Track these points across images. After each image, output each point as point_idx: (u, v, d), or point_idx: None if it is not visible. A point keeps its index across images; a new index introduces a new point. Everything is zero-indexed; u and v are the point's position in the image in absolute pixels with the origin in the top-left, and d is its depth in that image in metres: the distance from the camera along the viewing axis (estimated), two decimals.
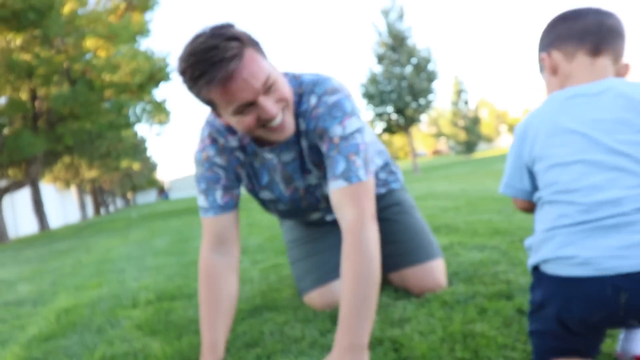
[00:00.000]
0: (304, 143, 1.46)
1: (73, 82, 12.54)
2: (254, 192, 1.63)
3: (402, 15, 21.24)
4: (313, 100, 1.41)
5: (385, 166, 1.90)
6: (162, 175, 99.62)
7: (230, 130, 1.49)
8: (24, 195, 18.03)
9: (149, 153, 48.73)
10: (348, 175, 1.31)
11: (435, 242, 1.85)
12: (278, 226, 5.06)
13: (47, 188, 23.33)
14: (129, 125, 15.08)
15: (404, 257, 1.78)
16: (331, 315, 1.61)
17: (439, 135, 46.87)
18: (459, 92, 39.35)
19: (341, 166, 1.32)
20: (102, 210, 35.48)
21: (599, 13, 1.08)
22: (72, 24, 11.88)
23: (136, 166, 38.38)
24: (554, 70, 1.11)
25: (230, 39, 1.20)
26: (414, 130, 39.51)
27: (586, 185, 0.94)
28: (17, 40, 11.61)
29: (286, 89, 1.33)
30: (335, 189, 1.32)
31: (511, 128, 74.17)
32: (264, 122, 1.30)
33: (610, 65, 1.06)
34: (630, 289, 0.85)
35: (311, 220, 1.79)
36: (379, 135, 22.06)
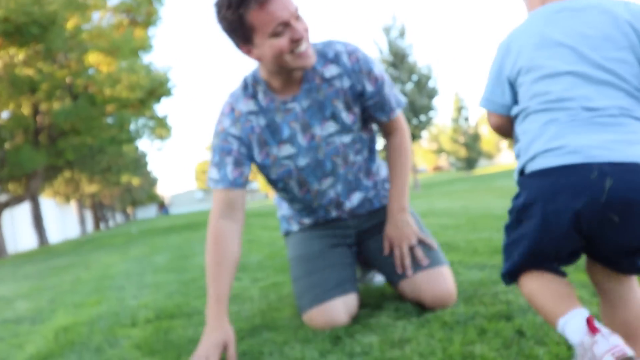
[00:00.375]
0: (345, 82, 1.66)
1: (75, 97, 12.63)
2: (266, 164, 1.72)
3: (404, 32, 21.49)
4: (339, 47, 1.66)
5: None
6: (163, 190, 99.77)
7: (248, 94, 1.68)
8: (23, 209, 18.02)
9: (149, 168, 48.81)
10: (401, 102, 1.80)
11: (442, 252, 1.88)
12: (279, 242, 5.06)
13: (47, 202, 23.32)
14: (130, 140, 15.14)
15: (415, 262, 1.79)
16: (331, 336, 1.60)
17: (439, 151, 46.97)
18: (460, 109, 39.57)
19: (394, 99, 1.76)
20: (102, 225, 35.41)
21: None
22: (75, 38, 11.99)
23: (136, 181, 38.39)
24: None
25: None
26: (414, 146, 39.63)
27: (578, 95, 0.97)
28: (20, 55, 11.72)
29: (307, 23, 1.55)
30: (397, 114, 1.78)
31: (511, 145, 74.29)
32: (293, 46, 1.48)
33: None
34: (615, 176, 0.89)
35: (322, 191, 1.78)
36: (380, 152, 22.10)
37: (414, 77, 21.42)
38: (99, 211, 35.22)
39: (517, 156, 1.05)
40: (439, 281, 1.74)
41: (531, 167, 0.99)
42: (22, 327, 2.67)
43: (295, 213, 1.98)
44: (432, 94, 21.58)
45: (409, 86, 21.46)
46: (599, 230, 0.93)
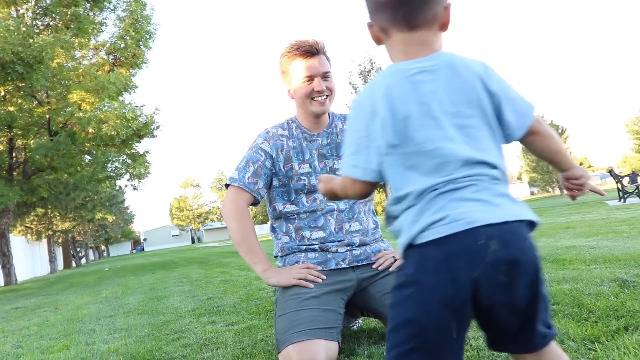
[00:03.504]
0: None
1: (54, 134, 12.49)
2: (289, 175, 2.08)
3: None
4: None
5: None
6: (138, 225, 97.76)
7: (282, 126, 2.15)
8: None
9: (126, 204, 48.00)
10: None
11: None
12: (255, 283, 5.01)
13: (16, 239, 22.64)
14: (110, 178, 14.96)
15: None
16: None
17: None
18: None
19: None
20: (74, 263, 34.41)
21: None
22: (58, 77, 11.97)
23: (111, 218, 37.68)
24: (378, 41, 1.08)
25: (320, 43, 2.05)
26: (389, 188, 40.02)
27: (441, 162, 0.98)
28: (1, 91, 11.63)
29: (334, 87, 2.08)
30: None
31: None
32: (313, 94, 2.02)
33: (432, 34, 1.02)
34: (499, 236, 0.90)
35: (325, 202, 2.08)
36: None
37: None
38: (72, 248, 34.29)
39: (399, 232, 1.01)
40: None
41: (419, 240, 0.96)
42: None
43: (296, 243, 2.08)
44: None
45: None
46: (493, 295, 0.91)
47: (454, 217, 0.93)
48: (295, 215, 2.09)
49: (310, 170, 2.10)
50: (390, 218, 1.06)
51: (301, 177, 2.09)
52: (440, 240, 0.93)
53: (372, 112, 1.02)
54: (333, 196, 1.18)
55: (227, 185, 2.10)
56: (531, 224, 0.97)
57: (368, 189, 1.08)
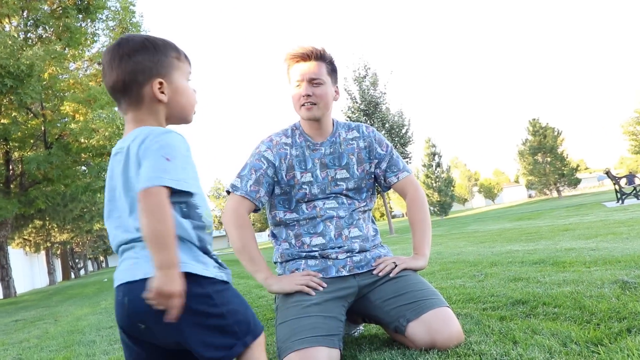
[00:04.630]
0: (361, 143, 2.19)
1: (49, 146, 12.47)
2: (290, 183, 2.09)
3: (376, 82, 22.08)
4: (360, 123, 2.27)
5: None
6: None
7: (286, 134, 2.16)
8: None
9: None
10: (408, 169, 2.25)
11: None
12: (255, 291, 4.99)
13: (14, 251, 22.53)
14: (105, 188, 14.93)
15: (426, 302, 1.88)
16: None
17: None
18: (432, 155, 40.33)
19: (402, 163, 2.24)
20: (72, 274, 34.24)
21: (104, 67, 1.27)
22: (51, 88, 11.97)
23: None
24: None
25: (314, 49, 2.06)
26: (389, 192, 40.13)
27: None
28: None
29: (326, 96, 2.07)
30: (406, 175, 2.23)
31: (483, 188, 75.73)
32: (301, 99, 2.04)
33: (136, 114, 1.25)
34: (129, 294, 1.15)
35: (325, 209, 2.08)
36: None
37: (387, 126, 21.83)
38: (70, 259, 34.12)
39: None
40: (451, 320, 1.83)
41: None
42: None
43: (296, 250, 2.08)
44: (405, 141, 21.98)
45: (382, 134, 21.77)
46: (143, 337, 1.20)
47: (113, 276, 1.25)
48: (295, 222, 2.10)
49: (312, 179, 2.10)
50: None
51: (303, 186, 2.09)
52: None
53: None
54: None
55: (228, 192, 2.10)
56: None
57: None
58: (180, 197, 1.19)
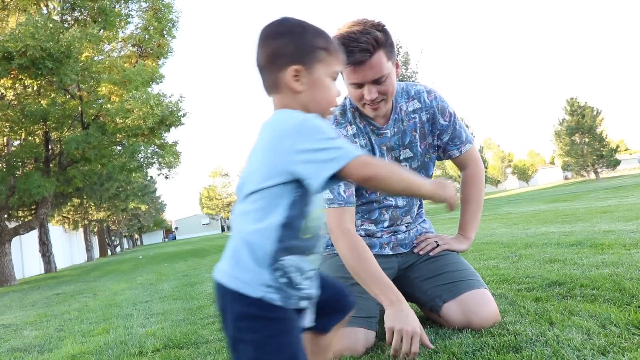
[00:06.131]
0: (423, 116, 2.00)
1: (86, 127, 12.80)
2: None
3: (408, 60, 21.72)
4: (420, 87, 2.03)
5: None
6: (169, 214, 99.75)
7: (347, 120, 1.95)
8: (31, 236, 18.08)
9: (157, 194, 48.96)
10: (471, 139, 2.09)
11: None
12: None
13: (54, 229, 23.41)
14: (140, 168, 15.25)
15: (463, 283, 1.86)
16: None
17: (445, 178, 46.83)
18: None
19: (464, 134, 2.06)
20: (109, 251, 35.40)
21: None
22: (88, 70, 12.22)
23: (144, 207, 38.50)
24: None
25: (368, 35, 1.69)
26: None
27: None
28: (34, 86, 11.95)
29: (392, 86, 1.81)
30: (468, 147, 2.07)
31: (517, 169, 74.11)
32: (364, 100, 1.81)
33: (277, 97, 1.14)
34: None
35: (385, 201, 1.99)
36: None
37: None
38: (107, 237, 35.25)
39: None
40: (488, 302, 1.82)
41: None
42: (30, 355, 2.67)
43: None
44: None
45: None
46: None
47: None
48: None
49: None
50: None
51: None
52: None
53: None
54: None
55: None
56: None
57: None
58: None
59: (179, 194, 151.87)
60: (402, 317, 1.61)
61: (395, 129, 1.97)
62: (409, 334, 1.56)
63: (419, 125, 2.00)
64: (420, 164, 2.03)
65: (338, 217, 1.82)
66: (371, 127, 1.95)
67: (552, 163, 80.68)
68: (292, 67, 1.11)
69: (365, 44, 1.68)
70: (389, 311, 1.64)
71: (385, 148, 1.97)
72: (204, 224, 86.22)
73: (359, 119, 1.95)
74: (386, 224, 2.02)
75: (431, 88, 2.04)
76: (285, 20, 1.16)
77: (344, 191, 1.85)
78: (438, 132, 2.03)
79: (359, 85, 1.78)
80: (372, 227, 2.03)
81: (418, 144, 2.01)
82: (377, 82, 1.77)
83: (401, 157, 2.00)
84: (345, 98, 1.99)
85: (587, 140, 41.04)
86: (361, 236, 1.99)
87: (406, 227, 2.08)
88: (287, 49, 1.12)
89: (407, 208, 2.05)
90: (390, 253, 2.02)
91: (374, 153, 1.95)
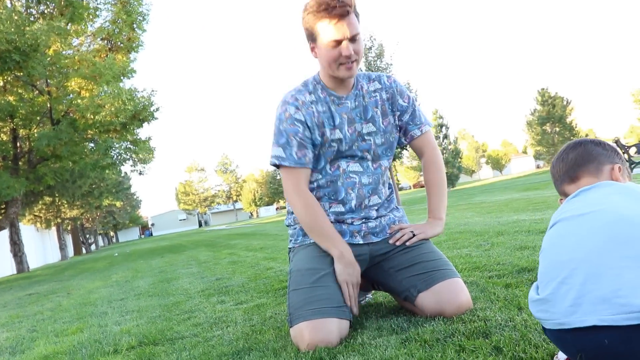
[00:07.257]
0: (384, 95, 2.09)
1: (56, 123, 12.49)
2: (321, 142, 1.98)
3: (382, 53, 21.78)
4: (380, 73, 2.16)
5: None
6: (144, 211, 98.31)
7: (307, 89, 2.01)
8: (1, 236, 17.63)
9: (132, 190, 48.20)
10: (429, 122, 2.16)
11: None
12: (263, 263, 5.05)
13: (26, 228, 22.86)
14: (113, 165, 14.98)
15: (437, 273, 1.89)
16: (314, 357, 1.61)
17: (421, 168, 47.25)
18: (440, 126, 40.01)
19: (423, 117, 2.16)
20: (84, 249, 34.76)
21: None
22: (56, 64, 11.91)
23: (118, 204, 37.89)
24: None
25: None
26: (396, 164, 40.02)
27: None
28: (0, 81, 11.60)
29: (362, 49, 1.93)
30: (427, 129, 2.15)
31: (490, 159, 75.31)
32: (341, 59, 1.86)
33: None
34: None
35: (347, 172, 2.03)
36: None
37: None
38: (81, 235, 34.60)
39: None
40: (462, 291, 1.86)
41: None
42: (1, 358, 2.62)
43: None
44: None
45: None
46: None
47: None
48: (316, 185, 2.05)
49: (340, 136, 1.99)
50: None
51: (332, 144, 1.99)
52: None
53: None
54: None
55: (275, 166, 1.99)
56: None
57: None
58: None
59: (155, 190, 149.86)
60: (350, 271, 1.88)
61: (357, 103, 2.03)
62: (355, 286, 1.89)
63: (380, 102, 2.07)
64: (384, 140, 2.08)
65: (293, 176, 1.95)
66: (332, 97, 2.00)
67: (525, 152, 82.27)
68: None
69: (344, 1, 1.81)
70: (339, 266, 1.88)
71: (346, 117, 2.00)
72: (180, 220, 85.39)
73: (320, 90, 2.01)
74: (353, 202, 2.02)
75: (391, 75, 2.19)
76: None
77: (297, 153, 1.94)
78: (398, 112, 2.11)
79: (338, 43, 1.84)
80: (340, 209, 2.04)
81: (380, 120, 2.06)
82: (353, 39, 1.85)
83: (364, 132, 2.02)
84: (307, 79, 2.08)
85: (557, 129, 41.98)
86: (332, 222, 2.01)
87: (376, 211, 2.08)
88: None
89: (373, 186, 2.06)
90: (362, 242, 2.04)
91: (333, 120, 1.99)
